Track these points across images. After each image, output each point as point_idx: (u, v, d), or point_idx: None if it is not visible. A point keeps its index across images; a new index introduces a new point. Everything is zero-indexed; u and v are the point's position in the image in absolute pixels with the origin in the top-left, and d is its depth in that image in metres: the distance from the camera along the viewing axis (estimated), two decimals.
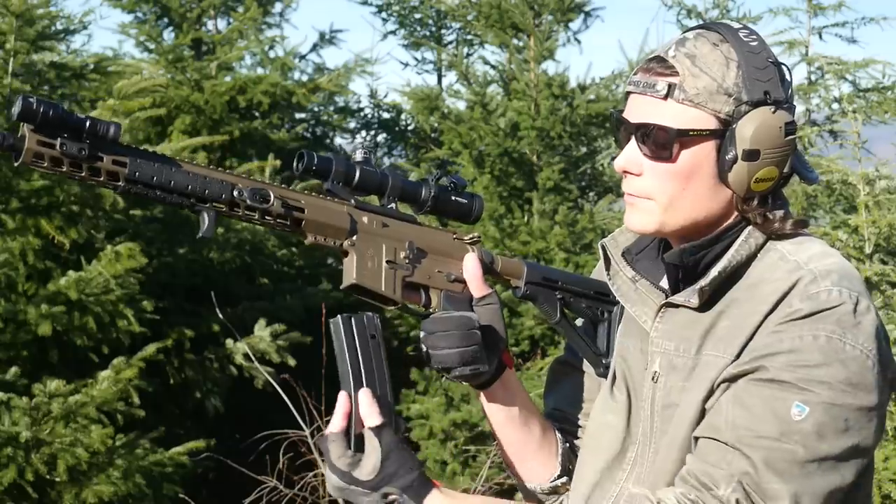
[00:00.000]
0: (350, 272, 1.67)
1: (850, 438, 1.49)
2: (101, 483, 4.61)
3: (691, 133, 1.57)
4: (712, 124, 1.57)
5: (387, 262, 1.69)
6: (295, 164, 1.68)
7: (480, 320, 1.70)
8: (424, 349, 1.67)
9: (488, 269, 1.79)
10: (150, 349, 5.02)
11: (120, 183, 1.50)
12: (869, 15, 6.76)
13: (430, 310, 1.74)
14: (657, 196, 1.60)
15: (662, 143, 1.57)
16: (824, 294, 1.51)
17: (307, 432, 4.93)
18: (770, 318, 1.53)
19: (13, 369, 4.66)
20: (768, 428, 1.48)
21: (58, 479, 4.56)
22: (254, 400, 5.73)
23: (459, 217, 1.78)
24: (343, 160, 1.68)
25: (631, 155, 1.61)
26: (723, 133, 1.57)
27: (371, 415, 1.59)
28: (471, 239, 1.78)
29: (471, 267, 1.74)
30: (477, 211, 1.78)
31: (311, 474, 5.02)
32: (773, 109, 1.57)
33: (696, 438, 1.54)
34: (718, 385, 1.55)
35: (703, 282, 1.59)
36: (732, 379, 1.53)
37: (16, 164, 1.46)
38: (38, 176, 4.87)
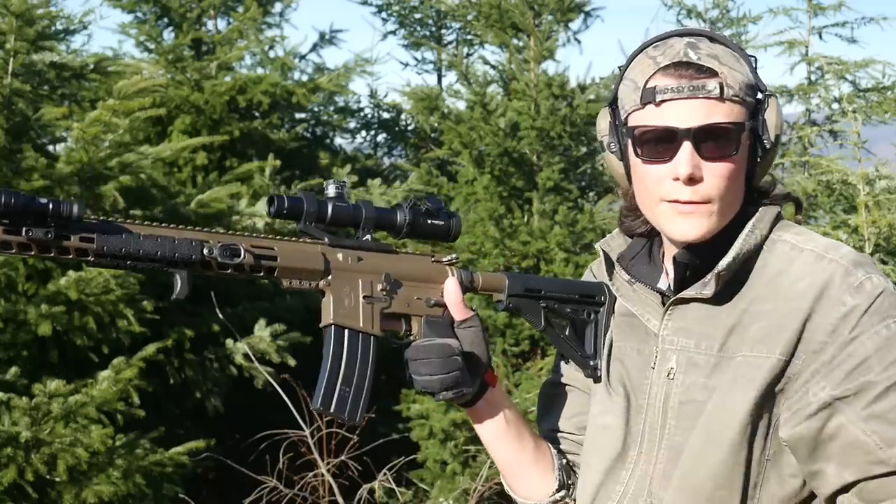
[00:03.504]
0: (328, 312, 1.69)
1: None
2: (101, 483, 4.61)
3: (747, 126, 1.60)
4: (749, 117, 1.61)
5: (364, 297, 1.70)
6: (267, 208, 1.69)
7: (462, 343, 1.72)
8: (409, 374, 1.70)
9: (469, 289, 1.80)
10: (150, 349, 5.01)
11: (90, 258, 1.51)
12: (869, 15, 6.78)
13: (412, 337, 1.75)
14: (718, 198, 1.60)
15: (730, 140, 1.59)
16: (868, 284, 1.55)
17: (307, 432, 4.93)
18: (821, 317, 1.55)
19: (13, 369, 4.65)
20: None
21: (58, 479, 4.56)
22: (254, 400, 5.73)
23: (438, 238, 1.79)
24: (314, 199, 1.69)
25: (693, 160, 1.58)
26: (754, 125, 1.61)
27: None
28: (449, 261, 1.79)
29: (451, 291, 1.76)
30: (455, 230, 1.79)
31: (311, 474, 5.03)
32: (776, 95, 1.64)
33: (853, 484, 1.53)
34: (818, 410, 1.54)
35: (720, 266, 1.60)
36: (832, 402, 1.54)
37: None
38: (39, 176, 4.87)
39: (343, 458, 4.98)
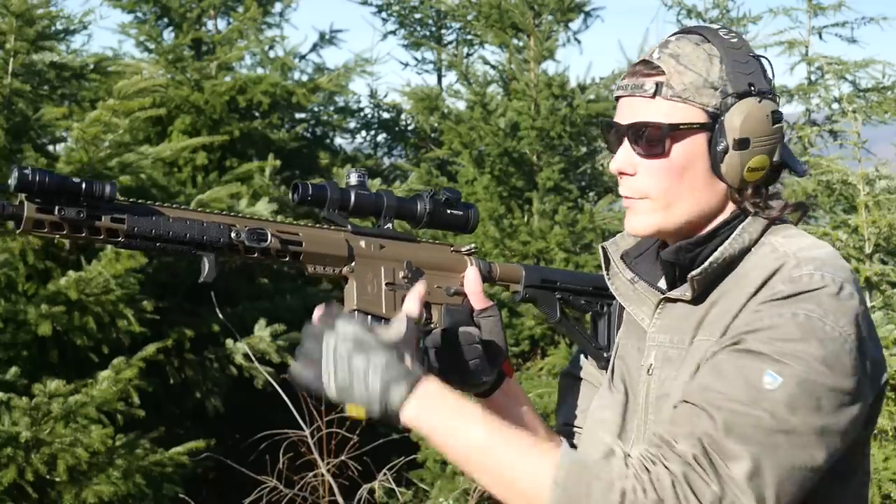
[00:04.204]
0: (351, 298, 1.72)
1: (822, 418, 1.46)
2: (101, 483, 4.61)
3: (682, 127, 1.60)
4: (702, 118, 1.61)
5: (386, 284, 1.73)
6: (291, 194, 1.72)
7: (482, 332, 1.76)
8: (427, 362, 1.71)
9: (487, 279, 1.84)
10: (150, 349, 5.01)
11: (120, 239, 1.53)
12: (869, 15, 6.79)
13: (432, 324, 1.77)
14: (653, 194, 1.63)
15: (655, 139, 1.61)
16: (806, 277, 1.53)
17: (307, 432, 4.93)
18: (753, 300, 1.55)
19: (13, 369, 4.65)
20: (738, 392, 1.47)
21: (58, 479, 4.56)
22: (254, 400, 5.73)
23: (456, 228, 1.83)
24: (337, 187, 1.72)
25: (625, 156, 1.64)
26: (712, 126, 1.61)
27: (413, 302, 1.62)
28: (468, 250, 1.83)
29: (472, 280, 1.80)
30: (473, 221, 1.83)
31: (311, 474, 5.02)
32: (758, 99, 1.61)
33: (675, 406, 1.54)
34: (701, 361, 1.56)
35: (694, 272, 1.61)
36: (713, 356, 1.54)
37: (17, 232, 1.48)
38: None
39: (343, 458, 4.98)
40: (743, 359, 1.49)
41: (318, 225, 1.71)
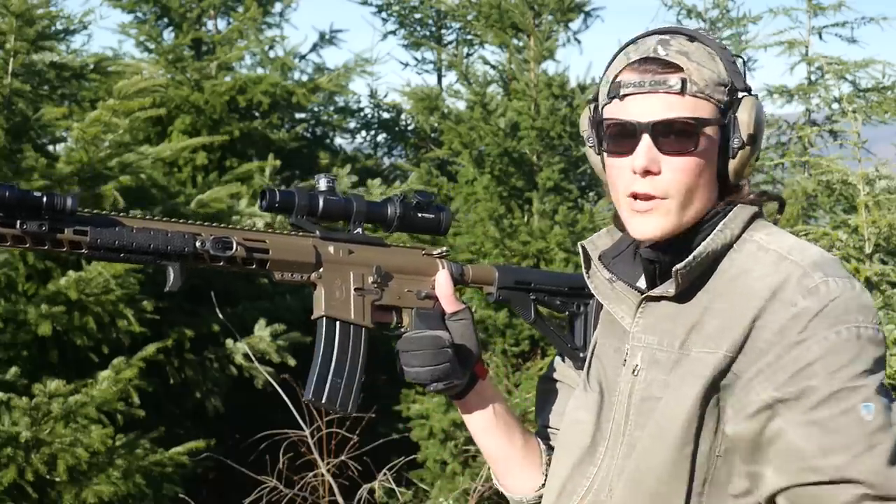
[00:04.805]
0: (319, 304, 1.72)
1: None
2: (101, 483, 4.61)
3: (712, 122, 1.60)
4: (717, 114, 1.60)
5: (355, 289, 1.74)
6: (259, 201, 1.72)
7: (453, 335, 1.75)
8: (399, 366, 1.73)
9: (459, 281, 1.84)
10: (150, 349, 5.01)
11: (83, 251, 1.54)
12: (869, 15, 6.79)
13: (403, 329, 1.78)
14: (675, 192, 1.60)
15: (688, 135, 1.59)
16: (823, 287, 1.53)
17: (307, 432, 4.93)
18: (771, 317, 1.53)
19: (13, 369, 4.65)
20: (853, 442, 1.47)
21: (58, 479, 4.56)
22: (254, 400, 5.73)
23: (428, 231, 1.83)
24: (305, 193, 1.72)
25: (650, 154, 1.59)
26: (722, 122, 1.61)
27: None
28: (439, 254, 1.83)
29: (442, 283, 1.80)
30: (445, 223, 1.83)
31: (311, 474, 5.03)
32: (756, 96, 1.63)
33: (785, 489, 1.51)
34: (758, 410, 1.52)
35: (679, 265, 1.59)
36: (773, 404, 1.52)
37: None
38: (39, 176, 4.87)
39: (343, 458, 4.98)
40: (830, 408, 1.49)
41: (287, 232, 1.71)
